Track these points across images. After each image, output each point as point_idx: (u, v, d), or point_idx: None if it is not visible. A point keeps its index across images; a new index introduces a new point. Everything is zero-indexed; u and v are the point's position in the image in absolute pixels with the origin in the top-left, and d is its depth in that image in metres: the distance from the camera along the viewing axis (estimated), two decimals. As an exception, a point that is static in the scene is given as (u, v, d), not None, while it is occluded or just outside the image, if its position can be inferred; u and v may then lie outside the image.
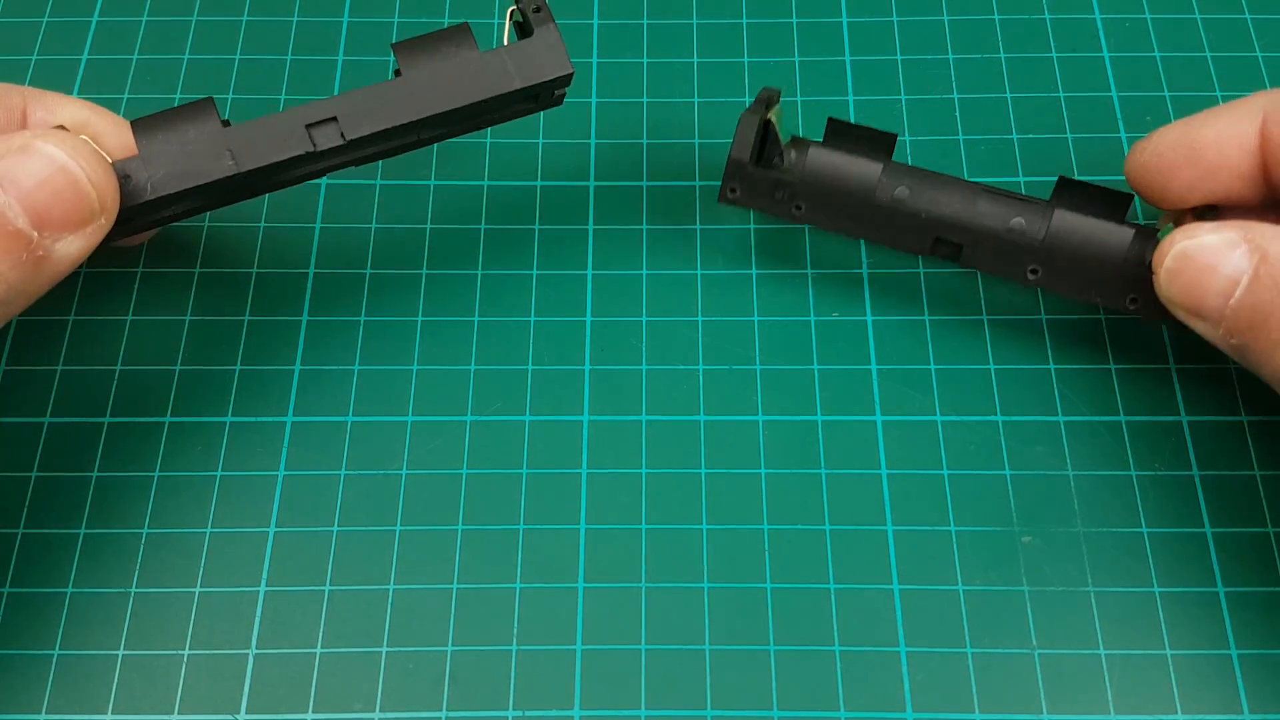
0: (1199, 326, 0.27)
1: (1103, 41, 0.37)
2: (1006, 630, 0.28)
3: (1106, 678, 0.27)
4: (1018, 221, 0.29)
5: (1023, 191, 0.34)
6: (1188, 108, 0.35)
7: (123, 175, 0.26)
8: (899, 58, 0.36)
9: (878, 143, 0.30)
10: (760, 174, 0.30)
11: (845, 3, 0.37)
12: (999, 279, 0.32)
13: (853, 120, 0.35)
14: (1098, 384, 0.31)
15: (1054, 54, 0.36)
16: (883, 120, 0.35)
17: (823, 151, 0.30)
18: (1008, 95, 0.36)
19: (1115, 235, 0.29)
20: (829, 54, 0.36)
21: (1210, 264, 0.26)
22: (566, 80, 0.28)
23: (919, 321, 0.32)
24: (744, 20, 0.37)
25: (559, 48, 0.28)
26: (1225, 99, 0.35)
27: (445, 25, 0.37)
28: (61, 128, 0.25)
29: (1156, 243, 0.28)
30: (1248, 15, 0.37)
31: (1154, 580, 0.29)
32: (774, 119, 0.30)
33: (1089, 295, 0.29)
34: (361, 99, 0.27)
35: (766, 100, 0.30)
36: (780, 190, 0.30)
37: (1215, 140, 0.28)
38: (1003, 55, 0.36)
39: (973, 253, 0.29)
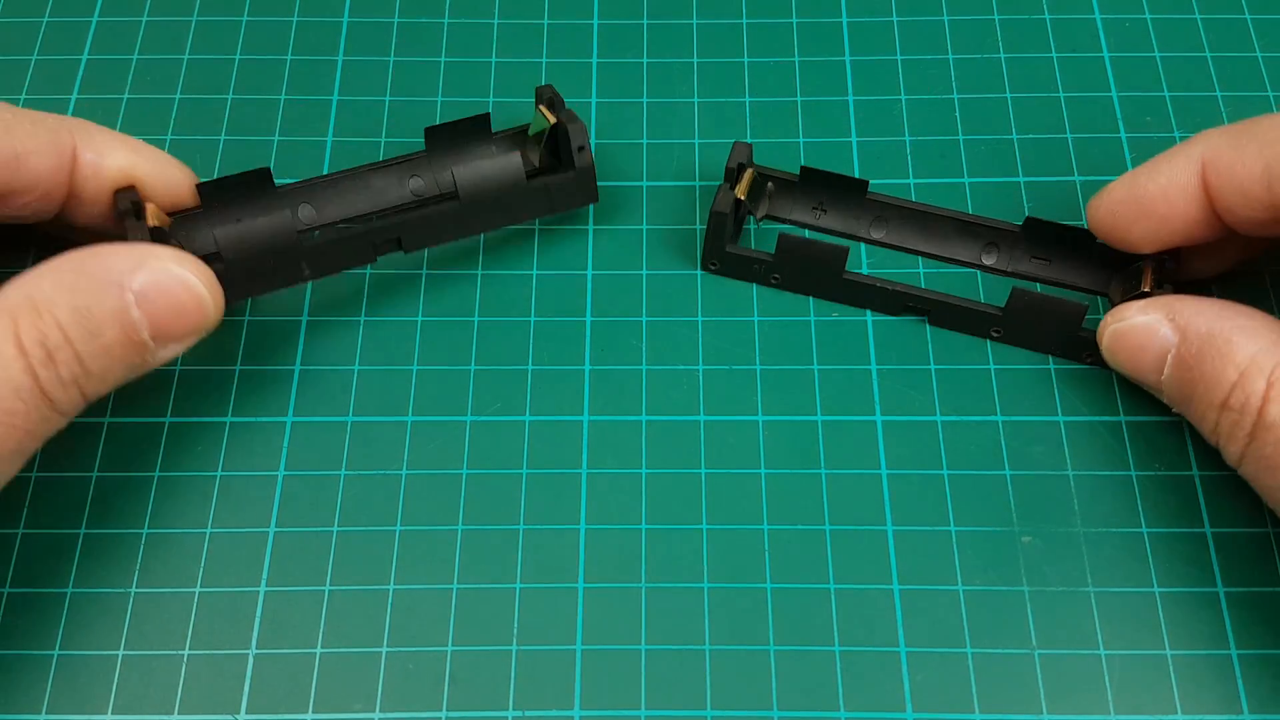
0: (1151, 391, 0.29)
1: (1103, 41, 0.37)
2: (1006, 630, 0.28)
3: (1106, 678, 0.27)
4: (988, 259, 0.32)
5: (1021, 192, 0.34)
6: (1188, 108, 0.35)
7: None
8: (899, 58, 0.36)
9: (850, 189, 0.32)
10: (738, 252, 0.32)
11: (845, 3, 0.37)
12: (1000, 279, 0.32)
13: (852, 121, 0.35)
14: (1098, 384, 0.31)
15: (1054, 54, 0.36)
16: (883, 120, 0.35)
17: (793, 230, 0.33)
18: (1008, 95, 0.36)
19: (1069, 306, 0.30)
20: (829, 54, 0.36)
21: (1139, 344, 0.28)
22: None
23: (919, 321, 0.32)
24: (744, 20, 0.37)
25: (592, 183, 0.32)
26: (1225, 99, 0.35)
27: (445, 25, 0.37)
28: (179, 247, 0.27)
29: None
30: (1248, 15, 0.37)
31: (1154, 580, 0.29)
32: (743, 193, 0.31)
33: (1048, 351, 0.31)
34: (423, 219, 0.30)
35: (738, 167, 0.31)
36: (757, 264, 0.32)
37: (1161, 194, 0.28)
38: (1003, 55, 0.36)
39: (939, 316, 0.31)
